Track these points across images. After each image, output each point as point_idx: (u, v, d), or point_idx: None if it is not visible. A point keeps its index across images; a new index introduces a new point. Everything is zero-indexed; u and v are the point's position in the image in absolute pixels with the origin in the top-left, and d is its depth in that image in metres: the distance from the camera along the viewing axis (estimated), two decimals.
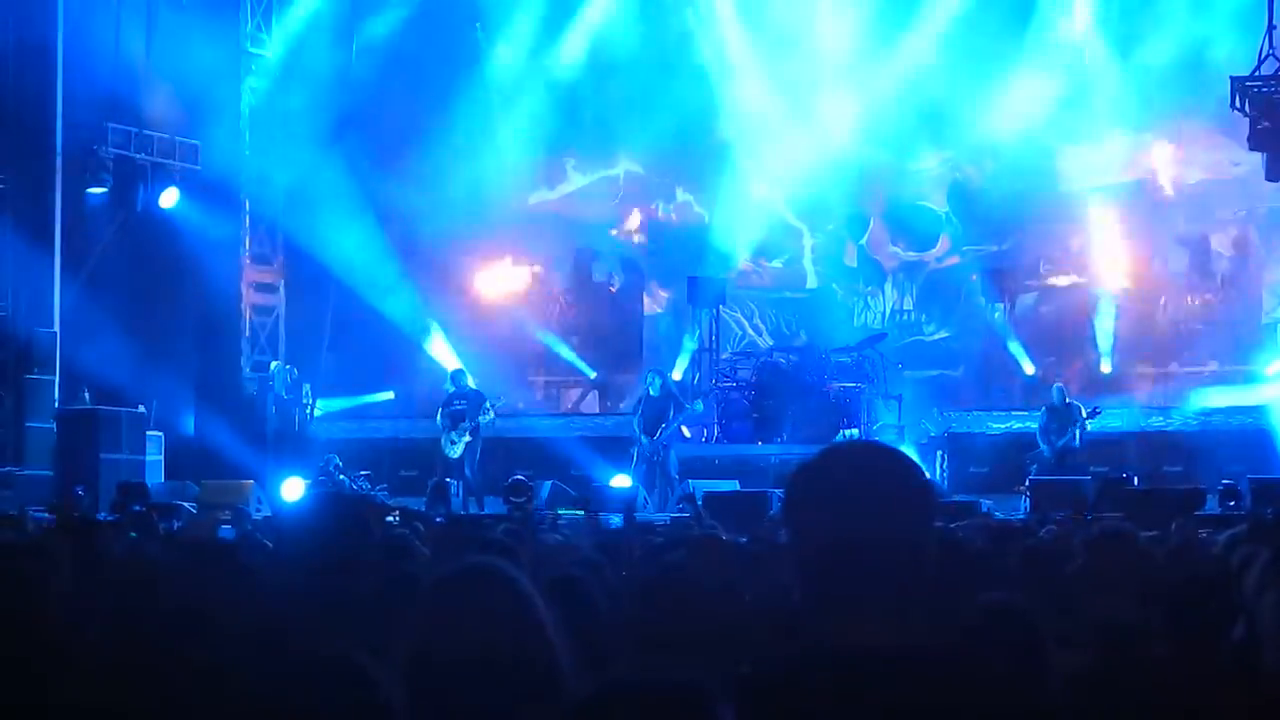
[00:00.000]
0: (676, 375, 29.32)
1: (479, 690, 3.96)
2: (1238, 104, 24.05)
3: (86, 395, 25.93)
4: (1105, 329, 30.37)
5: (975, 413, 27.99)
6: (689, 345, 30.81)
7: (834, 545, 3.26)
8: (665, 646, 5.49)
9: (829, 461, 3.40)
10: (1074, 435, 24.82)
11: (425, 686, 3.99)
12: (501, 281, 33.34)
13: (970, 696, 3.16)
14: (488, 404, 26.01)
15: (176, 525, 16.91)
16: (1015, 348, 29.97)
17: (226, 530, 15.23)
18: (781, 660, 3.29)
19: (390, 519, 13.75)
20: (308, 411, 29.01)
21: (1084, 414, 25.01)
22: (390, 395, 31.78)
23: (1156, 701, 4.27)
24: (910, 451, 26.07)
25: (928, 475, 3.37)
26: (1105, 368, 29.99)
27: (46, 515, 18.63)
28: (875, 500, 3.29)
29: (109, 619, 5.00)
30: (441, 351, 30.84)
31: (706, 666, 3.56)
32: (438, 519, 17.89)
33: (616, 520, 19.04)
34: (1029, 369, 29.83)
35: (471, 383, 26.89)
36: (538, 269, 33.52)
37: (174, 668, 4.11)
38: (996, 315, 29.83)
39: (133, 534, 13.31)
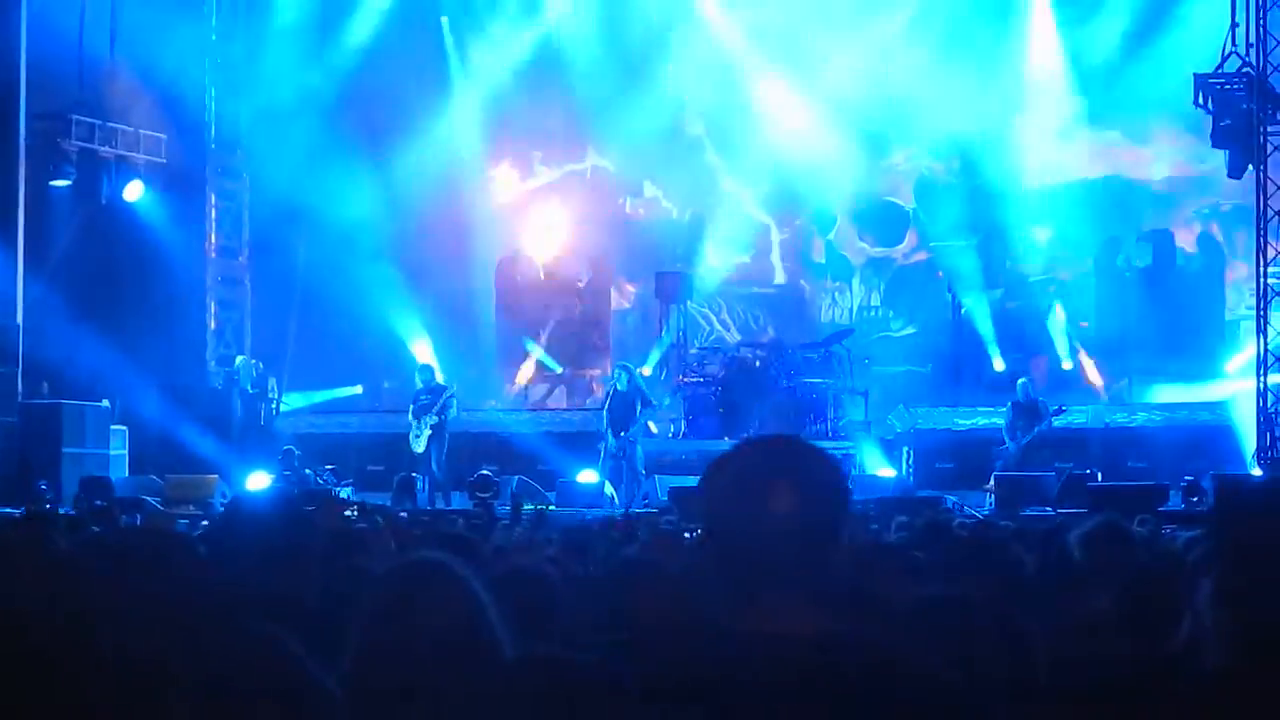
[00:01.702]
0: (646, 371, 29.33)
1: (424, 682, 3.97)
2: (1201, 101, 24.14)
3: (45, 388, 25.83)
4: (1067, 326, 30.46)
5: (941, 409, 28.01)
6: (666, 340, 30.79)
7: (744, 535, 3.35)
8: (616, 637, 5.50)
9: (742, 454, 3.48)
10: (1038, 433, 24.88)
11: (371, 678, 4.00)
12: (468, 276, 33.31)
13: (875, 681, 3.22)
14: (446, 394, 25.99)
15: (139, 520, 16.84)
16: (984, 344, 30.02)
17: (183, 525, 15.18)
18: (689, 647, 3.35)
19: (349, 514, 13.73)
20: (274, 406, 28.96)
21: (1050, 411, 25.06)
22: (359, 390, 31.78)
23: (1105, 697, 4.30)
24: (875, 448, 26.37)
25: (842, 469, 3.43)
26: (1067, 364, 30.07)
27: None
28: (786, 492, 3.36)
29: (47, 610, 4.99)
30: (416, 346, 30.77)
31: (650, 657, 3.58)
32: (401, 514, 17.86)
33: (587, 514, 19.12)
34: (999, 365, 29.86)
35: (440, 378, 26.88)
36: (505, 264, 33.49)
37: (106, 656, 4.10)
38: (963, 311, 29.84)
39: (94, 528, 13.26)
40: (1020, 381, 26.03)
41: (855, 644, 3.32)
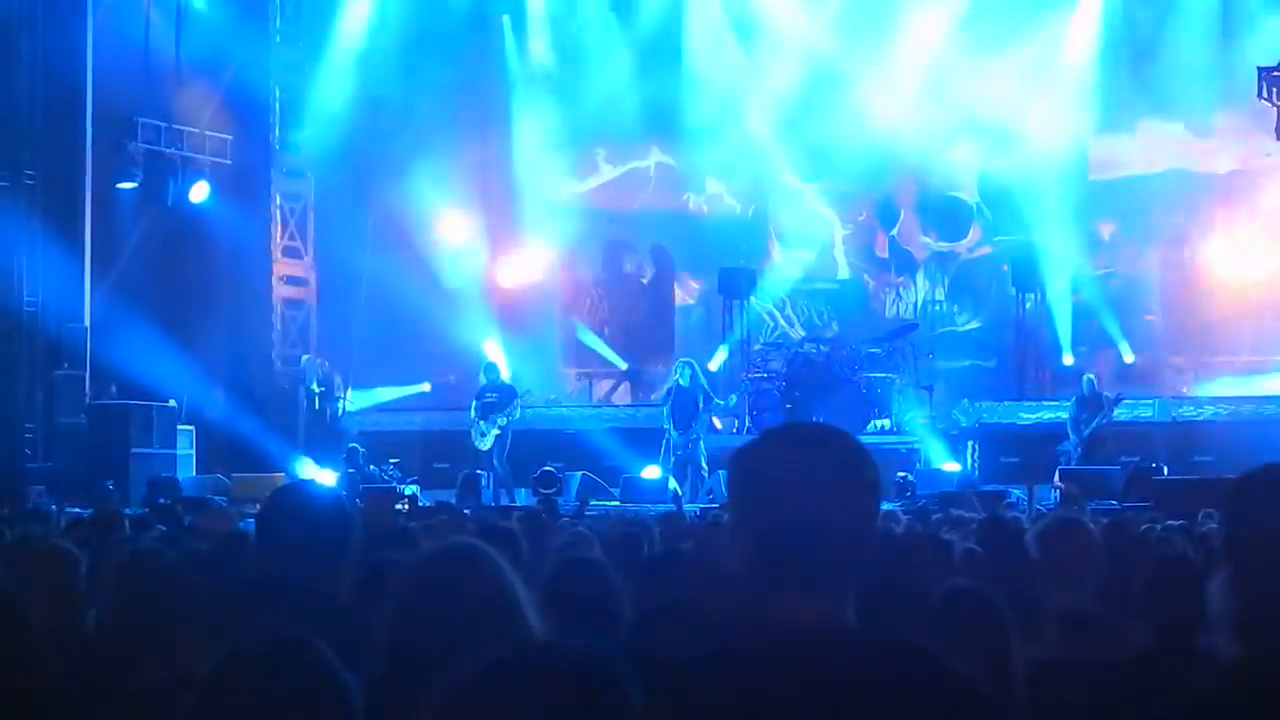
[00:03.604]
0: (713, 366, 29.38)
1: (451, 662, 4.00)
2: (1265, 94, 24.01)
3: (113, 389, 26.04)
4: (1138, 320, 30.32)
5: (1006, 403, 27.93)
6: (734, 336, 30.70)
7: (772, 526, 3.28)
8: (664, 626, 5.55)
9: (773, 443, 3.42)
10: (1100, 424, 24.78)
11: (400, 663, 4.04)
12: (533, 273, 33.35)
13: (892, 676, 3.19)
14: (518, 400, 26.06)
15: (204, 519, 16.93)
16: (1048, 338, 29.90)
17: (249, 523, 15.27)
18: (716, 638, 3.33)
19: (399, 507, 13.80)
20: (340, 405, 29.08)
21: (1110, 401, 24.96)
22: (426, 387, 31.82)
23: (1118, 690, 4.29)
24: (940, 442, 26.29)
25: (873, 459, 3.38)
26: (1129, 358, 29.92)
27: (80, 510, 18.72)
28: (815, 483, 3.30)
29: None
30: (486, 342, 30.79)
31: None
32: (466, 511, 17.94)
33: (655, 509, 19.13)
34: (1067, 359, 29.73)
35: (505, 376, 26.93)
36: (569, 260, 33.52)
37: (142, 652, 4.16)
38: (1028, 306, 29.73)
39: (161, 527, 13.38)
40: (1086, 377, 25.93)
41: (874, 639, 3.28)
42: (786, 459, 3.36)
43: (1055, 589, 5.80)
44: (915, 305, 32.66)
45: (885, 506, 17.51)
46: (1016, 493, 22.90)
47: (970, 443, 26.94)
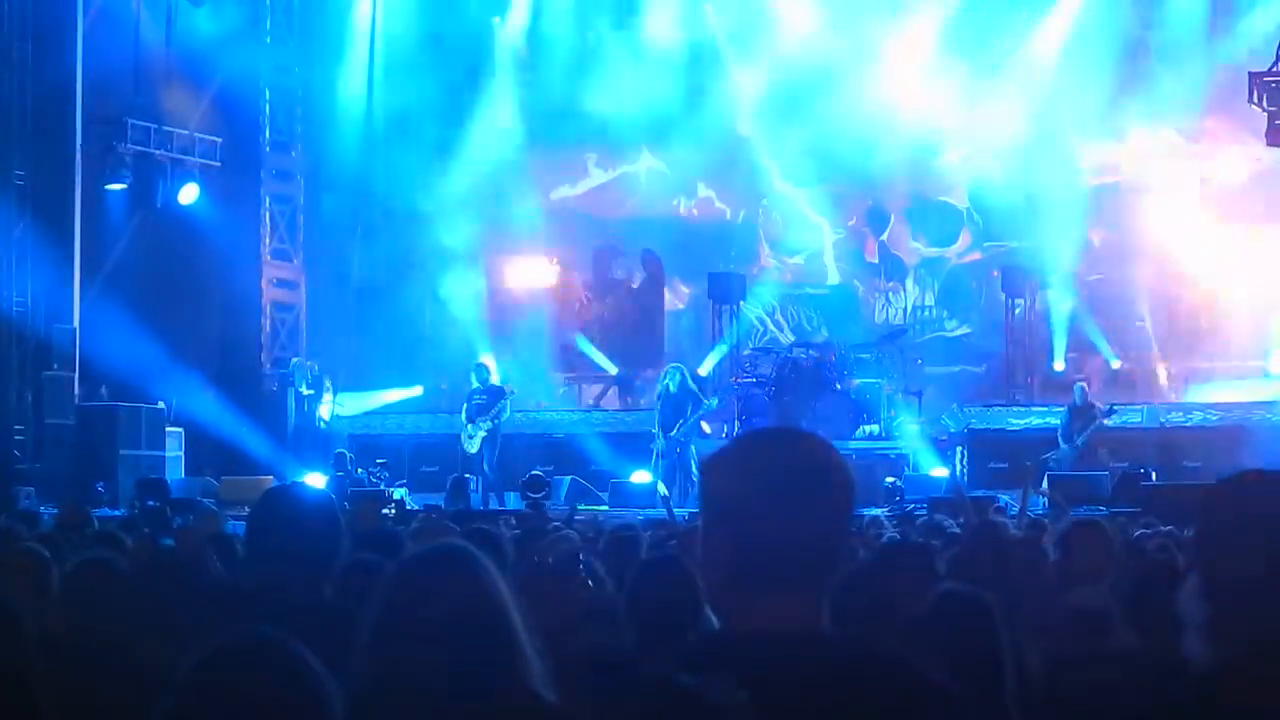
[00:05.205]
0: (703, 371, 29.35)
1: (436, 665, 3.99)
2: (1255, 99, 24.03)
3: (103, 391, 26.05)
4: (1128, 326, 30.33)
5: (995, 408, 27.94)
6: (727, 341, 30.64)
7: (744, 531, 3.27)
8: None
9: (742, 448, 3.41)
10: (1091, 433, 24.81)
11: (385, 665, 4.02)
12: (523, 277, 33.37)
13: (873, 680, 3.17)
14: (504, 401, 26.04)
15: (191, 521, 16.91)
16: (1038, 343, 29.91)
17: (238, 525, 15.25)
18: (687, 644, 3.31)
19: (386, 512, 13.80)
20: (330, 407, 29.04)
21: (1102, 412, 24.96)
22: (418, 390, 31.79)
23: (1112, 690, 4.28)
24: (928, 448, 26.27)
25: (846, 464, 3.35)
26: (1116, 364, 29.96)
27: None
28: (785, 487, 3.27)
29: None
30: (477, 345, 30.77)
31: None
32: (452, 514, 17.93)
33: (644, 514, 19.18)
34: (1058, 365, 29.76)
35: (495, 378, 26.91)
36: (558, 265, 33.52)
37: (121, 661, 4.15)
38: (1017, 311, 29.74)
39: (146, 529, 13.38)
40: (1077, 385, 25.94)
41: (849, 645, 3.26)
42: (756, 463, 3.33)
43: (1067, 590, 5.80)
44: (905, 311, 32.65)
45: (872, 512, 17.54)
46: (1005, 498, 22.88)
47: (959, 448, 26.94)
